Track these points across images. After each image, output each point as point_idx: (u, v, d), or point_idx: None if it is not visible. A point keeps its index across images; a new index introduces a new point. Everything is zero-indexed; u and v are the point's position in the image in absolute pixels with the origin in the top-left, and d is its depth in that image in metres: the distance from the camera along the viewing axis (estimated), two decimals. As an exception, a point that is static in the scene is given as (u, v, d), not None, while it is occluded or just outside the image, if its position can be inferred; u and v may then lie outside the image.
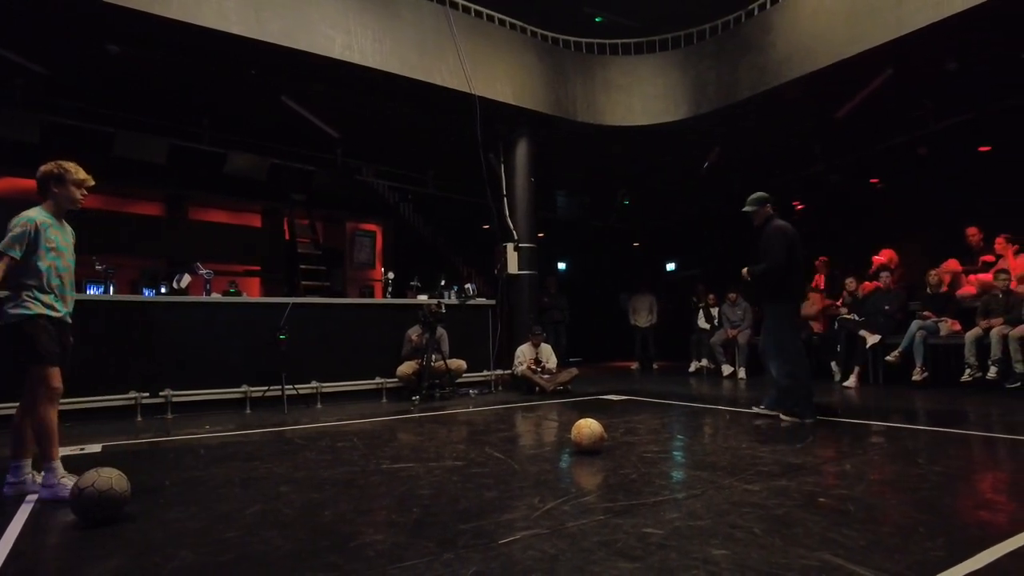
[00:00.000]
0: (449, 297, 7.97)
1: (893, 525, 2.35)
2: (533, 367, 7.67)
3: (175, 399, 5.93)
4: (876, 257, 8.55)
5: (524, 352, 7.84)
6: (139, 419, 5.68)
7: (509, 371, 8.06)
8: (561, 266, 15.35)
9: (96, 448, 4.29)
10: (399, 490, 3.03)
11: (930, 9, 6.41)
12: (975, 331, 6.57)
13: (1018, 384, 6.12)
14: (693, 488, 2.94)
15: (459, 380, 7.39)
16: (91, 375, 5.59)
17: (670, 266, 15.41)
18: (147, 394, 5.82)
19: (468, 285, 8.36)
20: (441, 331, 7.13)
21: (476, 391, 7.62)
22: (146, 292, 6.69)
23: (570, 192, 14.43)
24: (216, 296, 6.77)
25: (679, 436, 4.54)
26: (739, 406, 6.09)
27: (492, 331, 8.26)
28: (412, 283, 8.21)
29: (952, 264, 7.86)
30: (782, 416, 4.91)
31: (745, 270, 5.11)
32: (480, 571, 1.97)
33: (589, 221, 15.00)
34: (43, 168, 3.21)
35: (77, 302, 5.84)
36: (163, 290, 6.62)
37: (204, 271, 6.69)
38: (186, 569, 2.07)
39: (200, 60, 7.26)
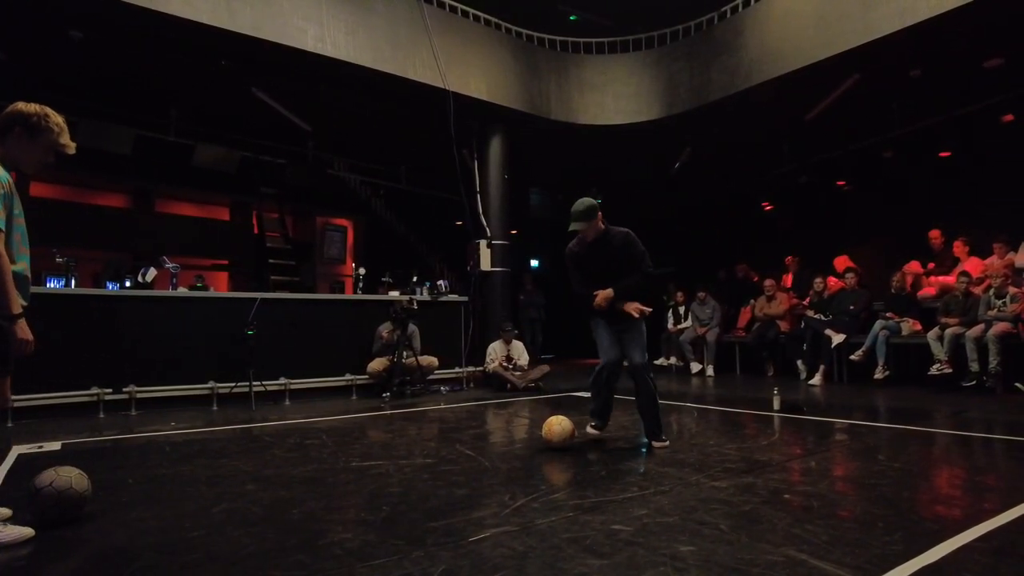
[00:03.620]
0: (421, 293, 7.93)
1: (854, 520, 2.41)
2: (505, 364, 7.68)
3: (139, 395, 5.80)
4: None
5: (496, 349, 7.84)
6: (101, 416, 5.54)
7: (481, 368, 8.06)
8: (534, 263, 15.39)
9: (55, 446, 4.17)
10: (368, 488, 3.01)
11: (896, 17, 6.56)
12: (935, 331, 6.76)
13: (973, 382, 6.33)
14: (661, 485, 2.98)
15: (430, 377, 7.36)
16: (51, 370, 5.43)
17: (641, 264, 15.54)
18: (110, 390, 5.68)
19: (440, 282, 8.33)
20: (413, 328, 7.09)
21: (447, 388, 7.61)
22: (110, 286, 6.53)
23: (544, 190, 14.45)
24: (182, 291, 6.64)
25: (648, 433, 4.58)
26: (707, 403, 6.18)
27: (464, 328, 8.25)
28: (384, 279, 8.15)
29: (914, 266, 8.08)
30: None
31: (604, 295, 3.96)
32: (449, 569, 1.97)
33: (562, 219, 15.02)
34: (20, 106, 2.47)
35: (37, 295, 5.67)
36: (127, 284, 6.47)
37: (170, 265, 6.56)
38: (149, 570, 2.03)
39: (168, 49, 7.09)
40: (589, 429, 4.25)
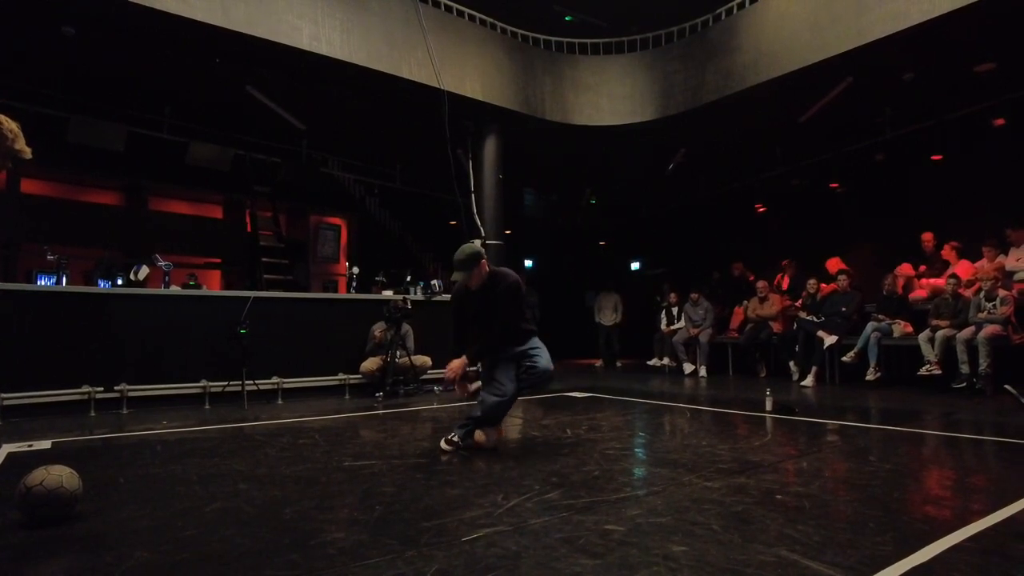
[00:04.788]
0: (415, 293, 7.92)
1: (846, 521, 2.42)
2: (498, 364, 7.67)
3: (131, 394, 5.77)
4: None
5: (489, 349, 7.83)
6: (93, 414, 5.51)
7: (474, 368, 8.03)
8: (528, 264, 15.40)
9: (46, 444, 4.14)
10: (361, 487, 3.01)
11: (889, 21, 6.61)
12: (926, 333, 6.81)
13: (963, 384, 6.37)
14: (654, 485, 2.98)
15: (424, 377, 7.35)
16: (42, 369, 5.41)
17: (635, 265, 15.58)
18: (101, 388, 5.65)
19: (434, 281, 8.32)
20: (406, 327, 7.09)
21: (441, 388, 7.60)
22: (101, 284, 6.47)
23: (538, 190, 14.47)
24: (175, 289, 6.60)
25: (641, 433, 4.60)
26: (699, 404, 6.20)
27: (458, 328, 8.23)
28: (377, 278, 8.14)
29: (905, 268, 8.13)
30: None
31: (457, 366, 3.87)
32: (443, 569, 1.97)
33: (556, 219, 15.08)
34: None
35: (26, 293, 5.65)
36: (119, 282, 6.43)
37: (163, 263, 6.53)
38: (141, 569, 2.02)
39: (161, 46, 7.06)
40: (455, 440, 3.88)
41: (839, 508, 2.61)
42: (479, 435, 3.93)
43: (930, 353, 6.69)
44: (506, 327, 3.84)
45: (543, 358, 3.93)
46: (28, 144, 2.66)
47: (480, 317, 3.86)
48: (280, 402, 6.42)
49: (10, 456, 3.77)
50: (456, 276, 3.79)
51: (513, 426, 5.13)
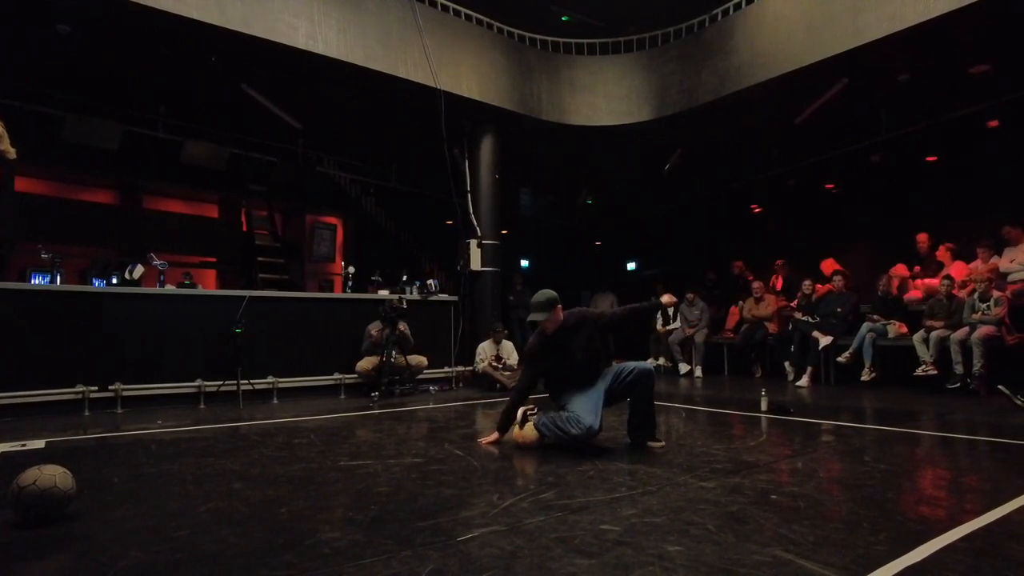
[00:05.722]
0: (411, 292, 7.91)
1: (840, 521, 2.43)
2: (494, 364, 7.68)
3: (125, 393, 5.76)
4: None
5: (485, 349, 7.84)
6: (87, 414, 5.49)
7: (470, 368, 8.05)
8: (524, 264, 15.38)
9: (39, 444, 4.13)
10: (357, 487, 3.00)
11: (885, 22, 6.62)
12: (921, 333, 6.83)
13: (957, 384, 6.39)
14: (649, 485, 2.99)
15: (420, 376, 7.35)
16: (35, 368, 5.39)
17: (631, 265, 15.59)
18: (96, 388, 5.63)
19: (430, 281, 8.32)
20: (403, 326, 7.08)
21: (437, 388, 7.60)
22: (96, 282, 6.46)
23: (534, 190, 14.46)
24: (170, 288, 6.59)
25: (637, 433, 4.59)
26: (695, 404, 6.21)
27: (454, 327, 8.24)
28: (373, 278, 8.13)
29: (900, 269, 8.15)
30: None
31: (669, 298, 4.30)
32: (438, 568, 1.97)
33: (552, 219, 15.08)
34: None
35: (20, 292, 5.63)
36: (114, 281, 6.41)
37: (158, 262, 6.51)
38: (135, 569, 2.01)
39: (157, 45, 7.02)
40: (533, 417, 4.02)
41: (834, 508, 2.62)
42: (529, 435, 3.92)
43: (925, 354, 6.71)
44: (634, 309, 4.35)
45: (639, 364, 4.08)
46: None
47: (565, 357, 3.98)
48: (275, 402, 6.41)
49: (3, 455, 3.76)
50: (535, 316, 3.95)
51: (509, 426, 5.12)
